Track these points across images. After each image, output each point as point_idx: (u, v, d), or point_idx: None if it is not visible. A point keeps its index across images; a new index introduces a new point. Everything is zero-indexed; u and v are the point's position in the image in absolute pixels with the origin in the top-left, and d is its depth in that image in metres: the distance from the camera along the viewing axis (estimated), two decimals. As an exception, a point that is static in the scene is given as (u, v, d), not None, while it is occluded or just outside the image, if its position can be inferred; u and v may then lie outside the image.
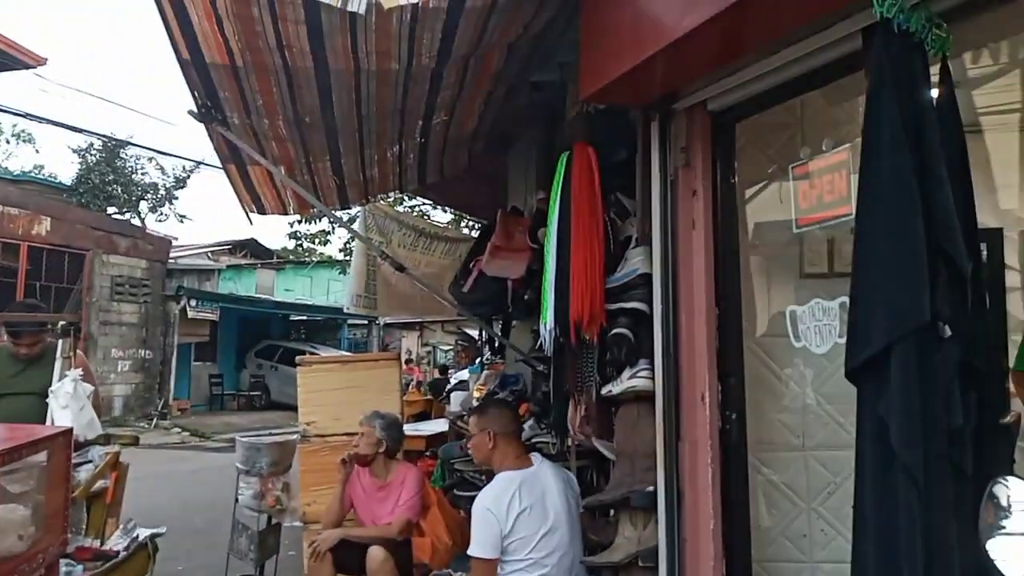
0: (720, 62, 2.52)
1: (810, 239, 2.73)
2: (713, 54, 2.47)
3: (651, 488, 2.84)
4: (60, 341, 4.02)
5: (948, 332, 1.71)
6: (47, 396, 3.82)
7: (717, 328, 2.73)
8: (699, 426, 2.71)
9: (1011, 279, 3.03)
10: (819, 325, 2.42)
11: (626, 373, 2.99)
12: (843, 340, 1.96)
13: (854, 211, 1.87)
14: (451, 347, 21.20)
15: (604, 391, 3.12)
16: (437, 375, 14.69)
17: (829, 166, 2.43)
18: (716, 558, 2.62)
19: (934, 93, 1.83)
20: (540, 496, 3.20)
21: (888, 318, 1.70)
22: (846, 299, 1.93)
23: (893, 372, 1.68)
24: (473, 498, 3.33)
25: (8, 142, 26.05)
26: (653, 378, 2.89)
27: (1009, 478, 1.53)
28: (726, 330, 2.73)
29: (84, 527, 3.70)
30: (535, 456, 3.43)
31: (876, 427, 1.74)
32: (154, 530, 3.80)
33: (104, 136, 20.09)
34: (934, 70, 1.85)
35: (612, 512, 3.19)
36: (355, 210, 8.13)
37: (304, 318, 24.27)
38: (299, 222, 19.37)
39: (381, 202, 7.54)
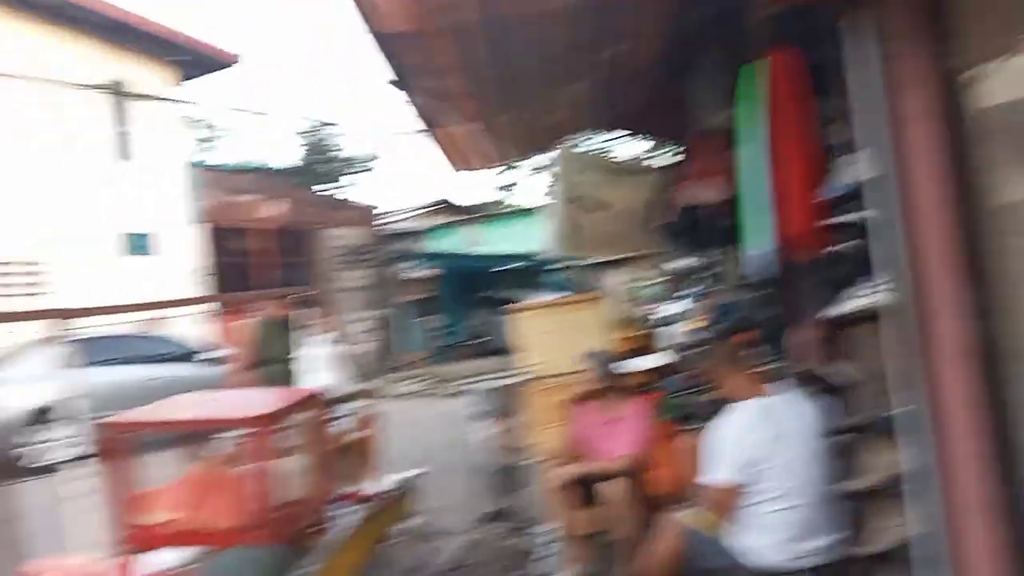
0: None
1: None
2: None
3: (893, 412, 2.65)
4: (305, 311, 4.51)
5: None
6: (298, 361, 4.32)
7: (956, 230, 2.45)
8: (945, 341, 2.46)
9: None
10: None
11: (854, 291, 2.79)
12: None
13: None
14: (658, 281, 20.88)
15: (832, 312, 2.94)
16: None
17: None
18: (980, 480, 2.39)
19: None
20: (782, 424, 3.09)
21: None
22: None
23: None
24: (699, 430, 3.30)
25: (219, 136, 28.53)
26: (886, 293, 2.67)
27: None
28: (967, 232, 2.44)
29: (347, 474, 4.17)
30: (776, 384, 3.29)
31: None
32: (415, 471, 4.18)
33: (314, 121, 21.85)
34: None
35: (853, 439, 3.03)
36: (550, 154, 8.20)
37: (513, 266, 25.05)
38: (498, 173, 20.02)
39: (574, 143, 7.51)
